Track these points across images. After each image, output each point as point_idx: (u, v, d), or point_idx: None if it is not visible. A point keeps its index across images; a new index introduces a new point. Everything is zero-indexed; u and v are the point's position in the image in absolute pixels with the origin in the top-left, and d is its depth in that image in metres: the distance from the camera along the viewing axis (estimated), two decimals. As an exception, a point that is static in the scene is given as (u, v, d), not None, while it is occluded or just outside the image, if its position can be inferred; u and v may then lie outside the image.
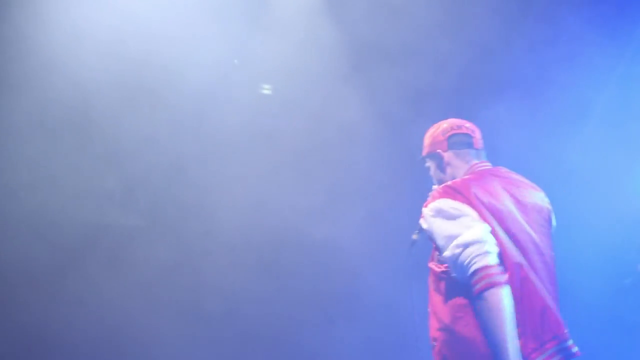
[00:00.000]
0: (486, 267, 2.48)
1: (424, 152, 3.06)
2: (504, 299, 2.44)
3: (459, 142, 2.96)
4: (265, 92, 5.67)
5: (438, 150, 2.98)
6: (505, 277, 2.49)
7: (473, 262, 2.49)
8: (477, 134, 3.01)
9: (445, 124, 3.03)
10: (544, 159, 5.38)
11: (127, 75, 5.08)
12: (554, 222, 2.89)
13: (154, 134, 5.29)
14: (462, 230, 2.55)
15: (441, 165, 2.97)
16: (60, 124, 5.16)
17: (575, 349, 2.58)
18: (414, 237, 2.86)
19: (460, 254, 2.52)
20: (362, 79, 5.50)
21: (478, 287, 2.46)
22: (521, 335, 2.49)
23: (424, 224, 2.69)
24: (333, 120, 5.47)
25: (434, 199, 2.70)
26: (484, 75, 5.52)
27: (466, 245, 2.52)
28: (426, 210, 2.69)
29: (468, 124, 3.03)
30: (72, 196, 5.23)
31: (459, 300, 2.57)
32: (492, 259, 2.50)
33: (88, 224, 5.40)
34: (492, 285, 2.45)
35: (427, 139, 3.05)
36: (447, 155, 2.96)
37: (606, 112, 5.56)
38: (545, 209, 2.84)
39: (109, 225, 5.51)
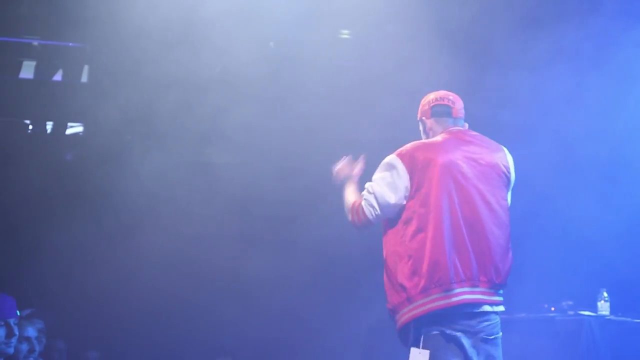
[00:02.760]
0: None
1: (417, 117, 3.62)
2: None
3: (440, 111, 3.51)
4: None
5: (423, 118, 3.55)
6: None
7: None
8: (457, 105, 3.53)
9: (432, 95, 3.56)
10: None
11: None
12: (512, 177, 3.40)
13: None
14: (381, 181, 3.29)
15: (425, 129, 3.54)
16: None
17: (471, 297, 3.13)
18: None
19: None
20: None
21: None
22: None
23: None
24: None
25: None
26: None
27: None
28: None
29: (451, 96, 3.54)
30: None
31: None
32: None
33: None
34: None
35: (419, 107, 3.59)
36: (430, 122, 3.51)
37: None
38: (500, 165, 3.36)
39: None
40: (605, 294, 5.21)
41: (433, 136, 3.45)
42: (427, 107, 3.52)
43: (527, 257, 5.89)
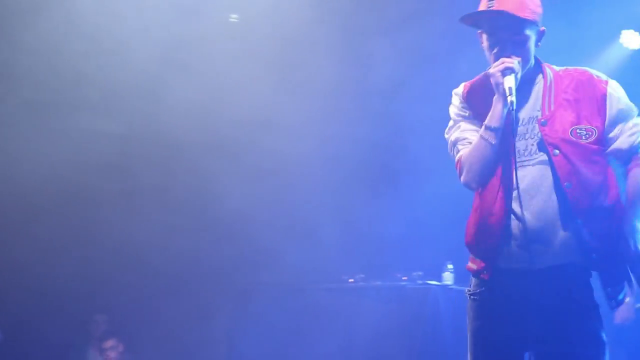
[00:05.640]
0: None
1: (524, 13, 2.59)
2: None
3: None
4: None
5: (539, 22, 2.66)
6: None
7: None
8: None
9: None
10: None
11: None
12: None
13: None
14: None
15: (536, 43, 2.68)
16: None
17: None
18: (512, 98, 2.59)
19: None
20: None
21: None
22: None
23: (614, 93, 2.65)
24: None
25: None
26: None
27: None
28: (614, 83, 2.68)
29: None
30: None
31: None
32: None
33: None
34: None
35: (535, 1, 2.65)
36: (544, 32, 2.69)
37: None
38: None
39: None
40: (450, 266, 5.82)
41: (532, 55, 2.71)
42: (540, 10, 2.67)
43: (384, 232, 6.48)
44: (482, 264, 2.76)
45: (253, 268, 6.54)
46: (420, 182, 6.53)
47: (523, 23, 2.59)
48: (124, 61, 5.71)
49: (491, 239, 2.67)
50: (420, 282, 5.80)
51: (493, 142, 2.64)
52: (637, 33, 5.74)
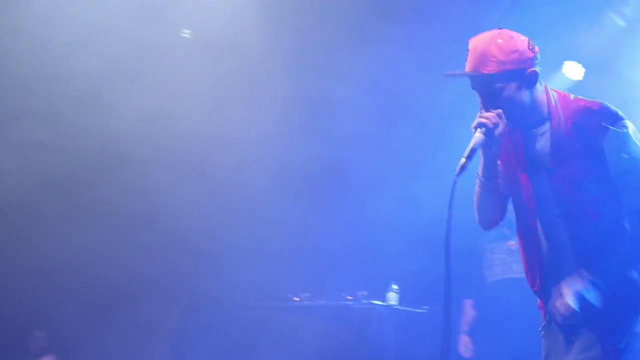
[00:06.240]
0: None
1: (486, 68, 2.53)
2: None
3: (538, 62, 2.60)
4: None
5: (529, 68, 2.56)
6: None
7: None
8: None
9: (521, 35, 2.60)
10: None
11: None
12: None
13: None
14: None
15: (522, 87, 2.57)
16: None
17: None
18: (463, 161, 2.55)
19: None
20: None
21: None
22: None
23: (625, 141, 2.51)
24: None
25: (623, 118, 2.55)
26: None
27: None
28: (630, 126, 2.55)
29: None
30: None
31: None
32: None
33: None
34: None
35: (503, 49, 2.54)
36: (537, 76, 2.59)
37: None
38: None
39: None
40: (395, 286, 5.88)
41: (535, 97, 2.64)
42: (531, 53, 2.58)
43: (330, 250, 6.52)
44: None
45: (198, 284, 6.49)
46: (366, 201, 6.60)
47: (489, 78, 2.55)
48: (69, 70, 5.61)
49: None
50: (364, 301, 5.83)
51: (479, 189, 2.73)
52: (579, 65, 5.91)
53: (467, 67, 2.58)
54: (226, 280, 6.25)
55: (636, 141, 2.56)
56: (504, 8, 5.71)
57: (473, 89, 2.63)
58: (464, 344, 5.71)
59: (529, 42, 2.60)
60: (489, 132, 2.55)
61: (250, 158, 6.31)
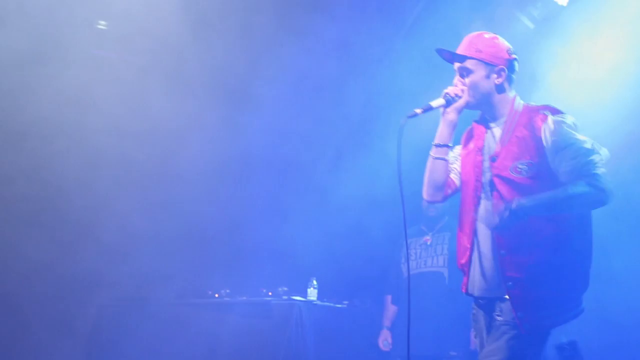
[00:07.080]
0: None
1: (476, 54, 3.06)
2: None
3: (515, 70, 3.12)
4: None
5: (500, 65, 3.06)
6: None
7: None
8: None
9: (505, 41, 3.11)
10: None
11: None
12: None
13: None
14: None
15: (498, 80, 3.05)
16: None
17: None
18: (418, 110, 3.07)
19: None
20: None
21: None
22: None
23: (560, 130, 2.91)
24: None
25: (563, 112, 2.98)
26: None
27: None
28: (569, 118, 2.96)
29: None
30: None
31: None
32: None
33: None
34: None
35: (485, 42, 3.06)
36: (505, 76, 3.06)
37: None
38: None
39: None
40: (315, 282, 5.92)
41: (501, 98, 3.11)
42: (507, 55, 3.09)
43: (251, 246, 6.49)
44: None
45: (114, 282, 6.33)
46: (286, 196, 6.61)
47: (464, 58, 3.06)
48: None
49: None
50: (285, 297, 5.85)
51: (430, 156, 3.17)
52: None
53: (457, 50, 3.09)
54: (144, 276, 6.14)
55: (571, 130, 2.93)
56: (420, 7, 5.83)
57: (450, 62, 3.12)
58: (384, 338, 5.80)
59: (509, 48, 3.09)
60: (449, 101, 3.07)
61: (169, 152, 6.21)
